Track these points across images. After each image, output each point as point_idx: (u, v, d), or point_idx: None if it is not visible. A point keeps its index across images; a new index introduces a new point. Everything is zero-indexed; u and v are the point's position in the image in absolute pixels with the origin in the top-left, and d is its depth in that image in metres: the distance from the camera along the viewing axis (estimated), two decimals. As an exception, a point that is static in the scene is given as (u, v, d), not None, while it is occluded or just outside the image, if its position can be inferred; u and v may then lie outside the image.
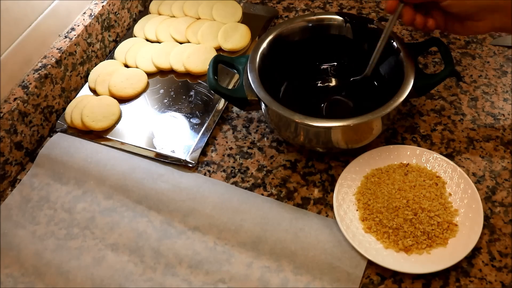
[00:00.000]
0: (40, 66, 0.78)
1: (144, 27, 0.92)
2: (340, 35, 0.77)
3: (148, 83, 0.85)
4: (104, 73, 0.84)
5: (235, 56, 0.84)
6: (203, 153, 0.75)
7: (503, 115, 0.76)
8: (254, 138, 0.77)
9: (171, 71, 0.86)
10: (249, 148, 0.76)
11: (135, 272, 0.63)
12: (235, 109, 0.80)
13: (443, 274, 0.60)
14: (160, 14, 0.95)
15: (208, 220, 0.67)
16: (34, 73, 0.77)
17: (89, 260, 0.65)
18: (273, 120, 0.70)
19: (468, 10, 0.63)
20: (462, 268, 0.61)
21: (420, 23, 0.65)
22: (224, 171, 0.73)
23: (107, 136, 0.78)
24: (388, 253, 0.61)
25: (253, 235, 0.65)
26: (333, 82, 0.81)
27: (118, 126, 0.79)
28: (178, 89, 0.84)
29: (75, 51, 0.83)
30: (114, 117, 0.79)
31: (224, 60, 0.74)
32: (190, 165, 0.73)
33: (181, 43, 0.89)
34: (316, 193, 0.69)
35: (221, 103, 0.80)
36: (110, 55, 0.91)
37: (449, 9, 0.63)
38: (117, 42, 0.93)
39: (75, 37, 0.83)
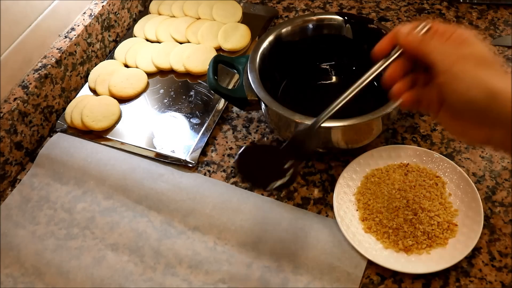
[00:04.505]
0: (40, 66, 0.78)
1: (144, 27, 0.92)
2: (340, 35, 0.77)
3: (148, 83, 0.85)
4: (104, 73, 0.84)
5: (235, 56, 0.85)
6: (203, 153, 0.75)
7: (503, 115, 0.76)
8: (254, 138, 0.77)
9: (171, 71, 0.86)
10: (249, 148, 0.76)
11: (135, 272, 0.63)
12: (235, 109, 0.80)
13: (443, 274, 0.60)
14: (160, 14, 0.96)
15: (208, 220, 0.67)
16: (34, 73, 0.77)
17: (89, 260, 0.65)
18: (273, 120, 0.70)
19: (461, 103, 0.45)
20: (462, 268, 0.61)
21: (399, 90, 0.50)
22: (224, 171, 0.73)
23: (107, 136, 0.78)
24: (388, 253, 0.61)
25: (253, 235, 0.65)
26: (333, 82, 0.81)
27: (118, 126, 0.79)
28: (178, 89, 0.84)
29: (75, 51, 0.83)
30: (114, 117, 0.79)
31: (224, 60, 0.74)
32: (190, 165, 0.73)
33: (181, 43, 0.89)
34: (316, 193, 0.69)
35: (221, 103, 0.80)
36: (110, 55, 0.91)
37: (442, 90, 0.47)
38: (117, 42, 0.93)
39: (75, 37, 0.83)
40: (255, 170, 0.57)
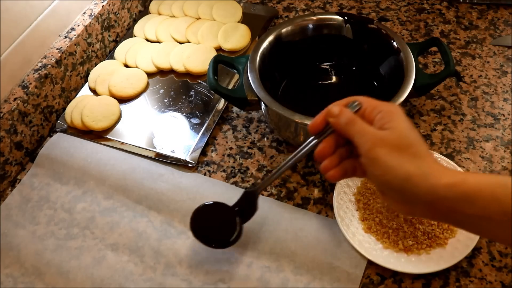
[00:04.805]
0: (40, 66, 0.78)
1: (144, 27, 0.92)
2: (340, 35, 0.77)
3: (148, 83, 0.85)
4: (104, 73, 0.84)
5: (235, 56, 0.85)
6: (203, 153, 0.75)
7: (503, 115, 0.76)
8: (254, 138, 0.77)
9: (171, 71, 0.86)
10: (249, 148, 0.76)
11: (135, 272, 0.63)
12: (235, 109, 0.80)
13: (443, 274, 0.60)
14: (160, 14, 0.96)
15: (208, 220, 0.67)
16: (34, 73, 0.77)
17: (89, 260, 0.65)
18: (273, 120, 0.70)
19: (380, 184, 0.49)
20: (462, 268, 0.61)
21: (325, 168, 0.52)
22: (224, 171, 0.73)
23: (107, 136, 0.78)
24: (388, 253, 0.61)
25: (253, 235, 0.65)
26: (333, 82, 0.81)
27: (118, 126, 0.79)
28: (178, 89, 0.84)
29: (75, 51, 0.83)
30: (114, 117, 0.79)
31: (224, 60, 0.74)
32: (190, 165, 0.73)
33: (181, 43, 0.89)
34: (316, 193, 0.69)
35: (221, 103, 0.80)
36: (110, 55, 0.91)
37: (365, 170, 0.50)
38: (117, 42, 0.93)
39: (75, 37, 0.83)
40: (207, 229, 0.62)
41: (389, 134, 0.48)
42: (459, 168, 0.67)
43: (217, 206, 0.62)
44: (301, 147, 0.55)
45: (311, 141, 0.54)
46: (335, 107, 0.52)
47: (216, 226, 0.62)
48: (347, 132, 0.50)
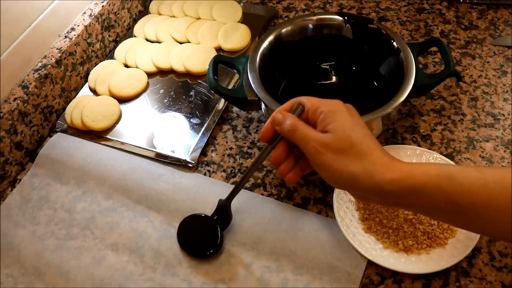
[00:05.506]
0: (40, 66, 0.78)
1: (144, 27, 0.92)
2: (340, 35, 0.77)
3: (148, 83, 0.85)
4: (104, 73, 0.84)
5: (235, 56, 0.85)
6: (203, 153, 0.75)
7: (503, 115, 0.76)
8: (254, 138, 0.77)
9: (171, 71, 0.86)
10: (249, 148, 0.76)
11: (135, 272, 0.63)
12: (235, 109, 0.80)
13: (443, 274, 0.60)
14: (160, 14, 0.96)
15: (208, 220, 0.67)
16: (34, 73, 0.77)
17: (89, 260, 0.65)
18: (273, 120, 0.70)
19: (330, 183, 0.52)
20: (462, 268, 0.61)
21: (282, 172, 0.55)
22: (224, 171, 0.73)
23: (107, 136, 0.78)
24: (388, 253, 0.61)
25: (253, 235, 0.65)
26: (333, 82, 0.81)
27: (118, 126, 0.79)
28: (178, 89, 0.84)
29: (75, 51, 0.83)
30: (114, 117, 0.79)
31: (224, 60, 0.74)
32: (190, 165, 0.73)
33: (181, 43, 0.89)
34: (316, 193, 0.69)
35: (221, 103, 0.80)
36: (110, 55, 0.91)
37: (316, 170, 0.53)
38: (117, 42, 0.93)
39: (75, 37, 0.83)
40: (192, 241, 0.65)
41: (331, 137, 0.49)
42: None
43: (198, 218, 0.65)
44: (259, 154, 0.57)
45: (266, 148, 0.55)
46: (278, 114, 0.53)
47: (200, 236, 0.65)
48: (292, 139, 0.52)
